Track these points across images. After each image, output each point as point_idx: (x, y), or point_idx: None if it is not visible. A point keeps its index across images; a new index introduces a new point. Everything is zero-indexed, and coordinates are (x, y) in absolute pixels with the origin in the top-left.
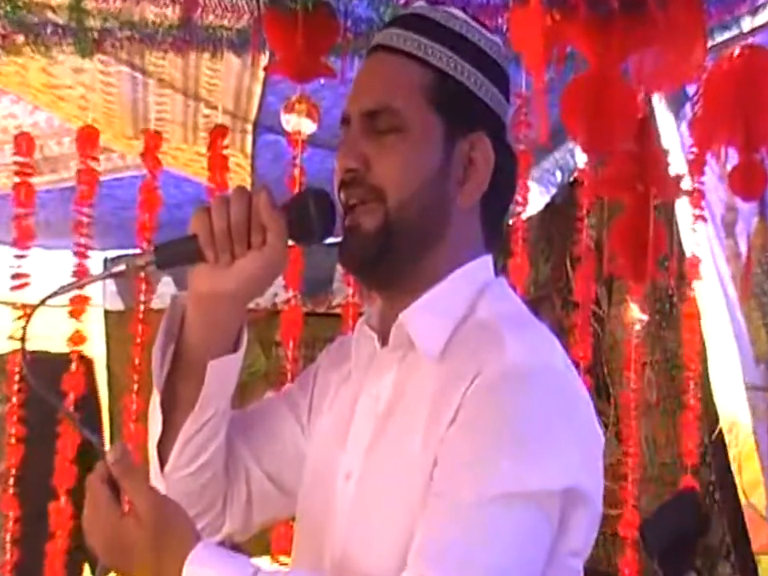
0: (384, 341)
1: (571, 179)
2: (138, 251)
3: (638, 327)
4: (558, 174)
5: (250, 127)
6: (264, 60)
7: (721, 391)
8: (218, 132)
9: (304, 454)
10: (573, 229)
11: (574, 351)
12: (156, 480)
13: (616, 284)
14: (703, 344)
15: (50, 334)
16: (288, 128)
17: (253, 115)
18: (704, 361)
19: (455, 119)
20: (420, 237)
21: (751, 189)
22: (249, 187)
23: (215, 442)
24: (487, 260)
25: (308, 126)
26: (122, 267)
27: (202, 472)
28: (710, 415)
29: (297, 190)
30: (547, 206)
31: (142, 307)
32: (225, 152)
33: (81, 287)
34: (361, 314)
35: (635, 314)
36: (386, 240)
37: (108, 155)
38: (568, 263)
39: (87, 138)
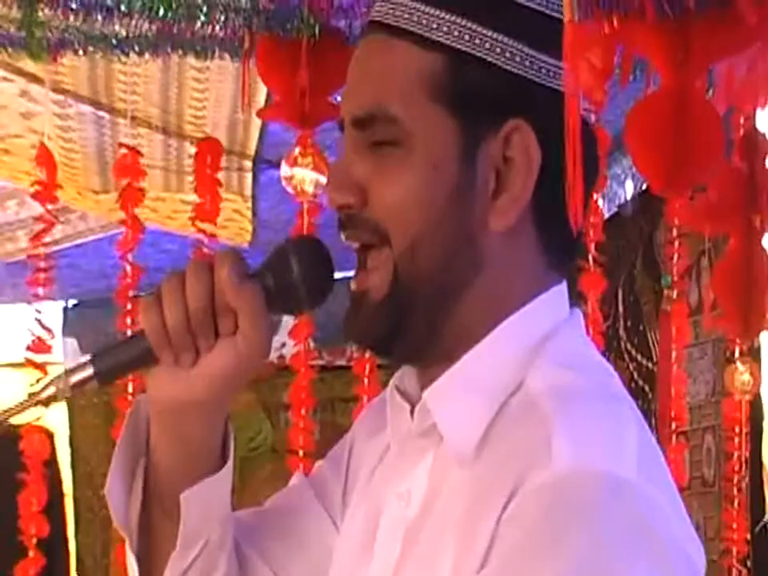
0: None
1: (644, 187)
2: (72, 365)
3: (747, 398)
4: (629, 183)
5: (248, 164)
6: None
7: None
8: (207, 145)
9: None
10: (639, 252)
11: None
12: None
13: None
14: None
15: None
16: (288, 187)
17: (252, 148)
18: None
19: (476, 113)
20: (443, 290)
21: None
22: (249, 237)
23: None
24: (557, 293)
25: (315, 183)
26: (50, 391)
27: None
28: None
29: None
30: (608, 220)
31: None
32: (222, 195)
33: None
34: (380, 367)
35: (742, 378)
36: (398, 308)
37: (66, 217)
38: (620, 296)
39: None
